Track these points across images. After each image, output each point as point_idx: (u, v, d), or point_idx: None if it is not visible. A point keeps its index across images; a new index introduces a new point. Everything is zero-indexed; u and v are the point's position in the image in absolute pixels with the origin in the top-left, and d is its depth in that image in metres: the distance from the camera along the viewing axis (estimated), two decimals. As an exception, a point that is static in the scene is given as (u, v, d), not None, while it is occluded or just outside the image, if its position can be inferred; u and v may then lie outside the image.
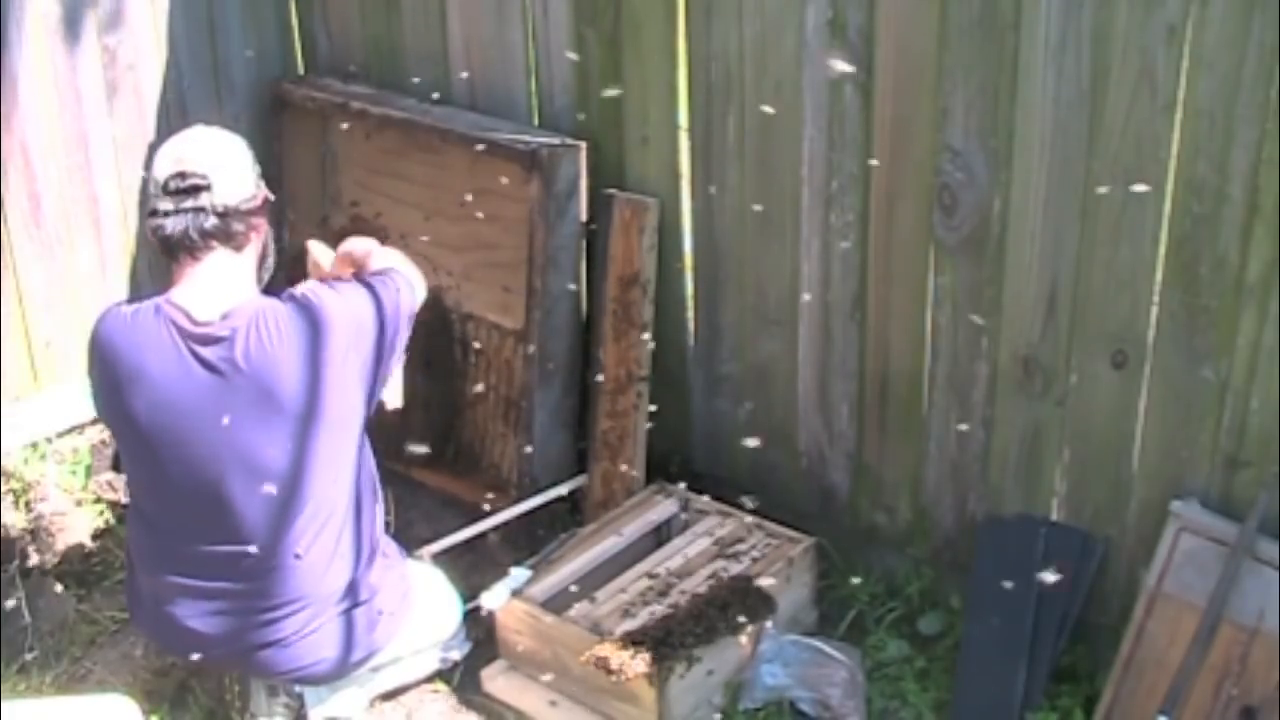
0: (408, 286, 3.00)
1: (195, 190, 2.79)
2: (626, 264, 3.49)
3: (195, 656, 3.02)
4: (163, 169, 2.82)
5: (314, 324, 2.82)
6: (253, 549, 2.86)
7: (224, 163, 2.83)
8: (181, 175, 2.79)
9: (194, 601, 2.93)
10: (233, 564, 2.89)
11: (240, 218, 2.84)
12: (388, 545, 3.14)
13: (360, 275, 3.01)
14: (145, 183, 2.93)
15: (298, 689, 3.09)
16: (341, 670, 3.04)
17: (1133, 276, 2.81)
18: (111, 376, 2.86)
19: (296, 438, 2.82)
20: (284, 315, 2.82)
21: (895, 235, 3.12)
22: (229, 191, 2.81)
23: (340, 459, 2.89)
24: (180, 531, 2.90)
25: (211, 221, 2.80)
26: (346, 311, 2.86)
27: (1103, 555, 3.03)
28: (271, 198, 3.01)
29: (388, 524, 3.21)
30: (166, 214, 2.80)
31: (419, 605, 3.17)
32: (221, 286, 2.84)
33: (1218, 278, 2.71)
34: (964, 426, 3.13)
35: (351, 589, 2.98)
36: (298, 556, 2.88)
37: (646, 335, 3.52)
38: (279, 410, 2.80)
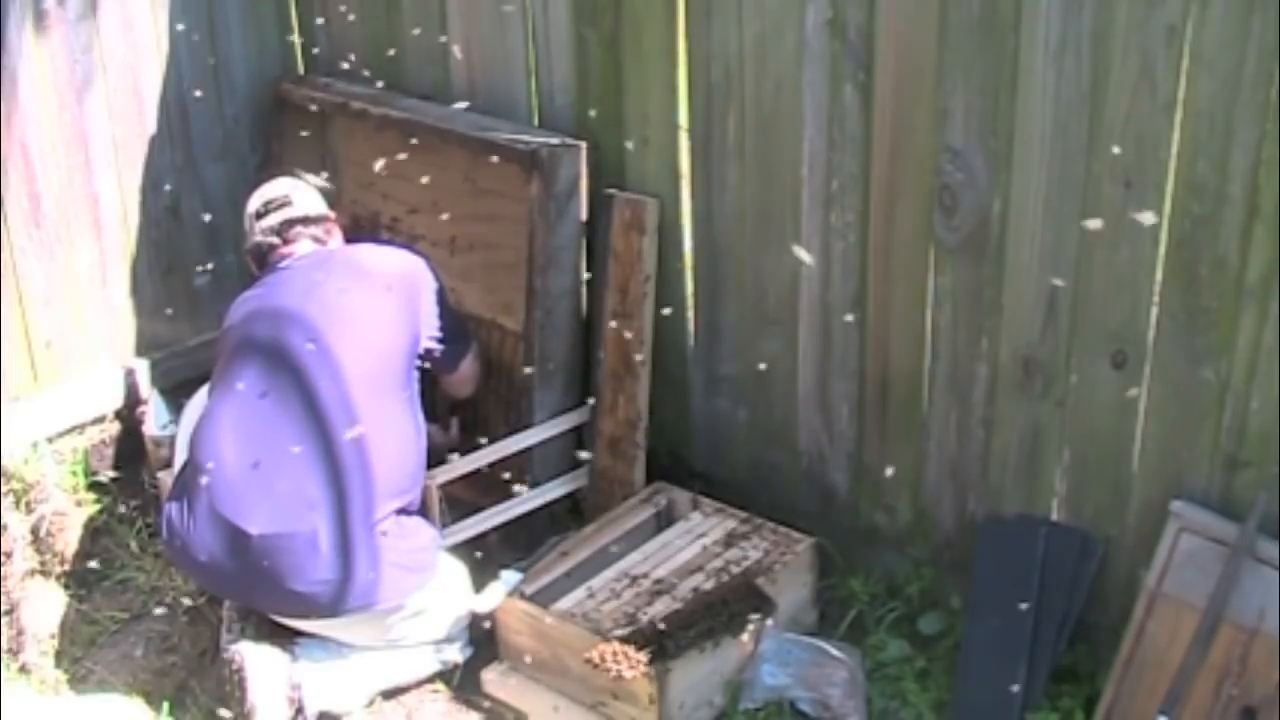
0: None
1: (280, 206, 3.46)
2: (626, 264, 3.49)
3: (226, 568, 3.12)
4: (252, 206, 3.49)
5: (385, 251, 3.47)
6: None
7: (296, 189, 3.52)
8: (268, 202, 3.47)
9: (248, 483, 3.11)
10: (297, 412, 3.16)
11: (318, 222, 3.48)
12: (423, 522, 3.28)
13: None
14: (245, 225, 3.54)
15: (295, 680, 3.11)
16: (338, 604, 3.09)
17: (1133, 276, 2.81)
18: (240, 311, 3.37)
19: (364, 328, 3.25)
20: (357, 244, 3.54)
21: (895, 235, 3.12)
22: (306, 205, 3.49)
23: (386, 373, 3.23)
24: (254, 374, 3.22)
25: (295, 223, 3.44)
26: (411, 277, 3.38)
27: (1103, 555, 3.03)
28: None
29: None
30: (261, 231, 3.44)
31: (438, 586, 3.23)
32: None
33: (1218, 278, 2.71)
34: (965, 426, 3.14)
35: (369, 513, 3.10)
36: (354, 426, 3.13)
37: (646, 335, 3.52)
38: (343, 282, 3.28)
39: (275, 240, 3.42)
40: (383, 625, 3.17)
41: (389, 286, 3.30)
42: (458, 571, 3.35)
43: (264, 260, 3.44)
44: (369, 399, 3.16)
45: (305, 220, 3.45)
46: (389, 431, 3.18)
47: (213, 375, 3.36)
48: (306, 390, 3.16)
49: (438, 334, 3.35)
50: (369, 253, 3.44)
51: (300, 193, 3.51)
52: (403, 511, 3.20)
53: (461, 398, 3.59)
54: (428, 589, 3.21)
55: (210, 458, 3.17)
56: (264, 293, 3.35)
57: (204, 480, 3.14)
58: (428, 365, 3.39)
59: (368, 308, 3.25)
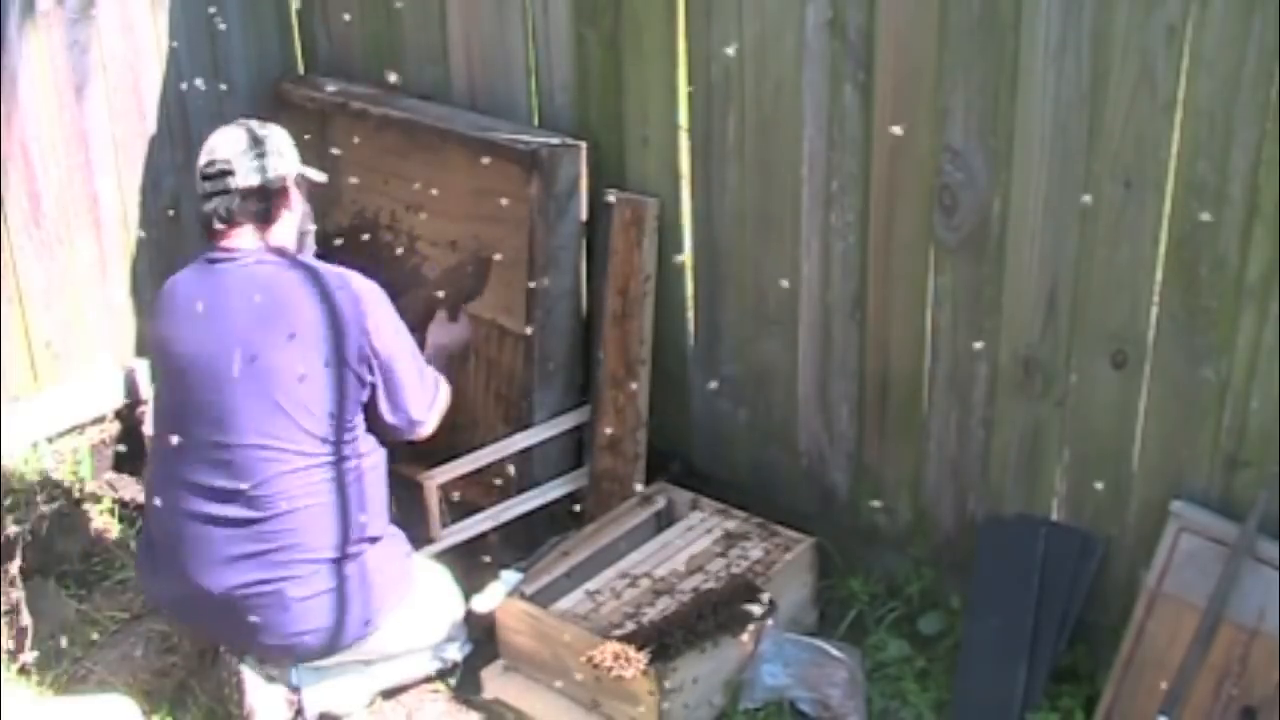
0: (417, 372, 3.16)
1: (222, 175, 3.07)
2: (626, 264, 3.49)
3: (203, 626, 3.10)
4: (201, 159, 3.13)
5: (318, 289, 3.07)
6: (245, 448, 3.00)
7: (249, 149, 3.10)
8: (211, 163, 3.10)
9: (199, 544, 3.01)
10: (232, 471, 3.01)
11: (264, 196, 3.09)
12: (395, 534, 3.20)
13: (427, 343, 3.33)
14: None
15: (294, 681, 3.11)
16: (334, 644, 3.07)
17: (1133, 276, 2.81)
18: (160, 308, 3.18)
19: (279, 359, 3.01)
20: (291, 258, 3.12)
21: (895, 235, 3.12)
22: (251, 173, 3.08)
23: (309, 409, 3.01)
24: (193, 432, 3.04)
25: (237, 201, 3.07)
26: (349, 282, 3.09)
27: (1103, 555, 3.03)
28: (320, 179, 3.33)
29: (394, 519, 3.23)
30: (204, 196, 3.10)
31: (419, 596, 3.19)
32: (249, 241, 3.10)
33: (1218, 278, 2.71)
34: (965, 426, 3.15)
35: (346, 556, 3.04)
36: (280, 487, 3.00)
37: (646, 335, 3.52)
38: (274, 329, 3.02)
39: (214, 223, 3.08)
40: (365, 649, 3.14)
41: (328, 324, 3.02)
42: (438, 573, 3.32)
43: (210, 229, 3.10)
44: (314, 444, 3.01)
45: (247, 194, 3.07)
46: (342, 475, 3.05)
47: (153, 403, 3.20)
48: (248, 444, 3.00)
49: (394, 371, 3.10)
50: (310, 284, 3.06)
51: (248, 158, 3.09)
52: (369, 540, 3.11)
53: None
54: (406, 604, 3.17)
55: (163, 510, 3.10)
56: (195, 319, 3.04)
57: (158, 533, 3.11)
58: (394, 436, 3.19)
59: (308, 347, 3.01)
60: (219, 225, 3.07)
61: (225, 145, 3.10)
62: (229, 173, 3.06)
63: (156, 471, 3.17)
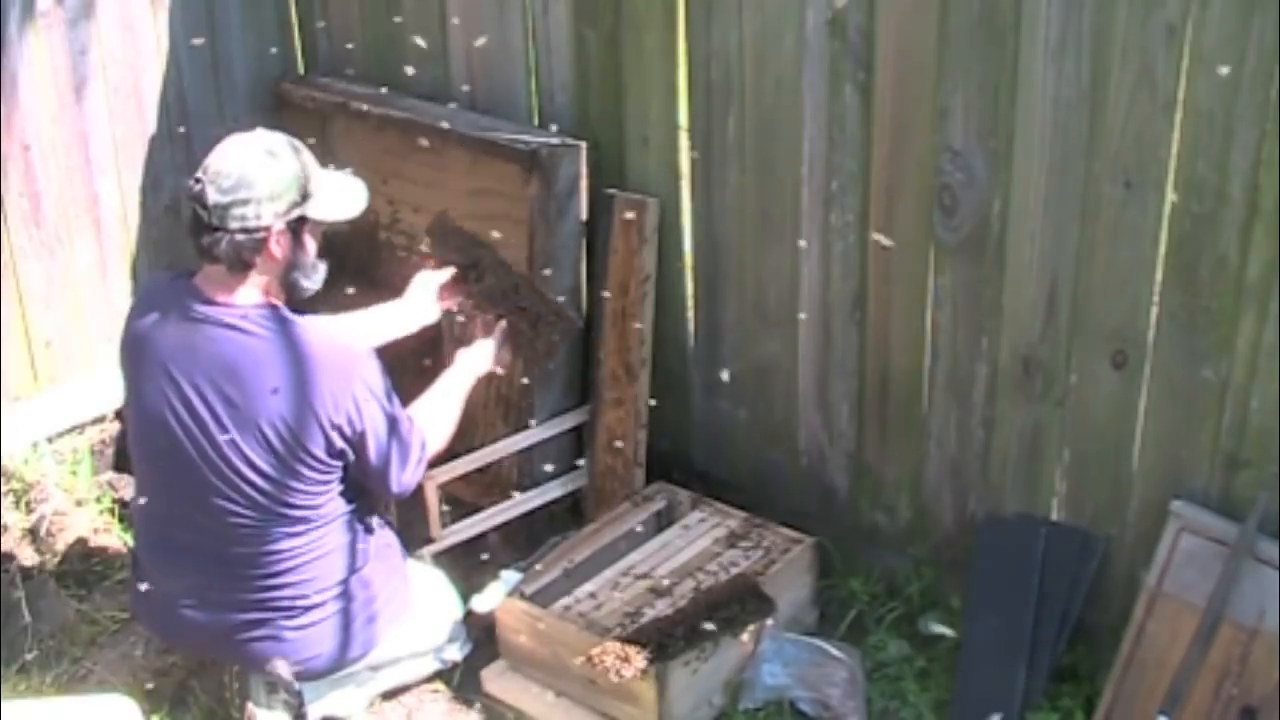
0: (389, 425, 2.96)
1: (202, 202, 2.84)
2: (626, 264, 3.49)
3: (196, 650, 3.07)
4: (202, 168, 2.86)
5: (291, 349, 2.89)
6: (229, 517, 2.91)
7: (237, 189, 2.81)
8: (198, 180, 2.85)
9: (187, 584, 2.97)
10: (216, 532, 2.93)
11: (238, 247, 2.83)
12: (389, 544, 3.16)
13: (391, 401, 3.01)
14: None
15: (296, 685, 3.10)
16: (337, 665, 3.07)
17: (1133, 276, 2.81)
18: (130, 332, 3.00)
19: (253, 429, 2.87)
20: (271, 325, 2.89)
21: (895, 235, 3.12)
22: (230, 221, 2.83)
23: (301, 475, 2.91)
24: (167, 493, 2.97)
25: (207, 240, 2.85)
26: (325, 358, 2.90)
27: (1103, 555, 3.03)
28: (334, 218, 3.02)
29: (389, 523, 3.22)
30: (191, 213, 2.89)
31: (418, 605, 3.18)
32: (229, 287, 2.91)
33: (1218, 278, 2.71)
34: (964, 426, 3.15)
35: (346, 582, 3.01)
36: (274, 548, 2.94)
37: (646, 335, 3.52)
38: (241, 401, 2.87)
39: (195, 250, 2.90)
40: (367, 660, 3.13)
41: (299, 408, 2.86)
42: (433, 577, 3.31)
43: (193, 241, 2.90)
44: (292, 519, 2.94)
45: (218, 238, 2.82)
46: (326, 529, 2.99)
47: (126, 423, 3.13)
48: (215, 502, 2.92)
49: (372, 442, 2.96)
50: (285, 359, 2.88)
51: (226, 199, 2.82)
52: (361, 566, 3.07)
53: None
54: (405, 614, 3.15)
55: (149, 542, 3.08)
56: (164, 378, 2.89)
57: (147, 562, 3.08)
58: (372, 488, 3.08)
59: (277, 433, 2.87)
60: (196, 254, 2.90)
61: (213, 180, 2.82)
62: (208, 208, 2.82)
63: (138, 505, 3.09)
